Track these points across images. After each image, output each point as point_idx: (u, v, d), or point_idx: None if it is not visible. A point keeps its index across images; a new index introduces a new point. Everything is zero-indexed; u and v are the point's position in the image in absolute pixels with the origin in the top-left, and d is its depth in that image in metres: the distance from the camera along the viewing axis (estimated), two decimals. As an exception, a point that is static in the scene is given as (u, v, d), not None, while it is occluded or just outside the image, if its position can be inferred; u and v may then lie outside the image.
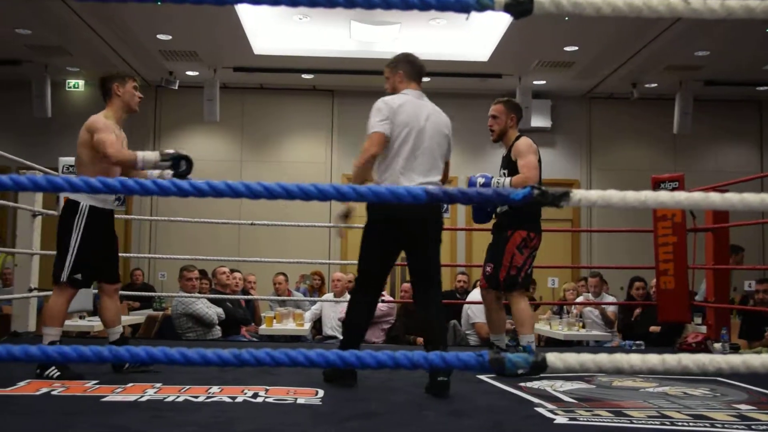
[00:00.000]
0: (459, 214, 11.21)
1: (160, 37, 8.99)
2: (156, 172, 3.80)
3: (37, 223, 5.84)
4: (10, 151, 5.48)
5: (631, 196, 1.36)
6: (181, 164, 3.71)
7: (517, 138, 4.33)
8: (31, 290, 5.72)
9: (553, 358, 1.30)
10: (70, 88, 10.90)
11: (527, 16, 1.36)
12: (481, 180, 4.30)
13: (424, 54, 9.96)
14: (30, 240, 5.77)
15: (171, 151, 3.78)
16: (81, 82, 10.90)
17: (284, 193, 1.33)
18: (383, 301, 6.54)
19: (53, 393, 3.25)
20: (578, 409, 3.11)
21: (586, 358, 1.29)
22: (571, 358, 1.30)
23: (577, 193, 1.36)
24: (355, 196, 1.36)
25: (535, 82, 10.62)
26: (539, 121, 10.99)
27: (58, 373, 3.59)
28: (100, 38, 8.99)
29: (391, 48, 9.65)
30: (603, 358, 1.29)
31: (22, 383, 3.43)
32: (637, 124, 11.50)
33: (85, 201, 3.82)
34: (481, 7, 1.27)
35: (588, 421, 2.87)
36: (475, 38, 9.50)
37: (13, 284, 6.36)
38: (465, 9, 1.28)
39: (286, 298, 7.58)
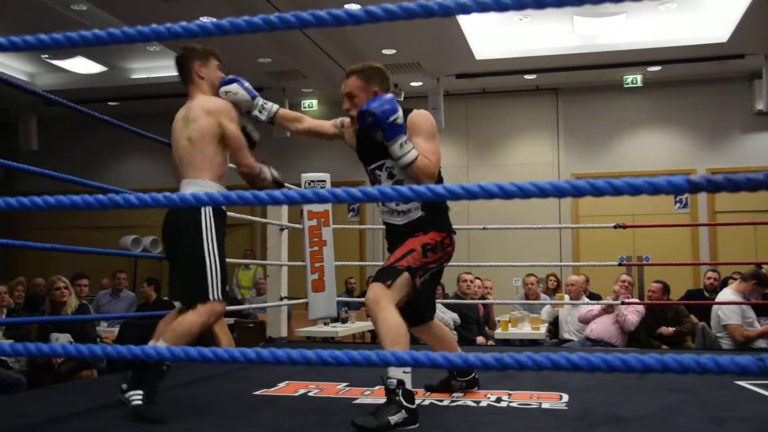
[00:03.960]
0: (700, 209, 10.47)
1: (385, 51, 9.35)
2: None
3: (284, 237, 6.27)
4: (256, 170, 5.94)
5: None
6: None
7: (410, 110, 3.11)
8: (281, 299, 6.16)
9: None
10: (305, 108, 11.66)
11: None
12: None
13: (654, 42, 9.53)
14: (279, 252, 6.22)
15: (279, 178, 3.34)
16: (314, 102, 11.63)
17: (520, 192, 1.30)
18: (624, 303, 6.25)
19: (309, 394, 3.47)
20: None
21: None
22: None
23: None
24: (591, 190, 1.30)
25: (785, 60, 9.63)
26: (791, 101, 9.96)
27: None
28: (331, 59, 9.54)
29: (617, 39, 9.27)
30: None
31: (282, 384, 3.70)
32: None
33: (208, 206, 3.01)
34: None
35: None
36: (711, 19, 8.83)
37: (265, 293, 6.92)
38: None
39: (532, 302, 7.45)
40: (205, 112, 3.08)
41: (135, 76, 10.89)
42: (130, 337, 5.68)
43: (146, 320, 6.18)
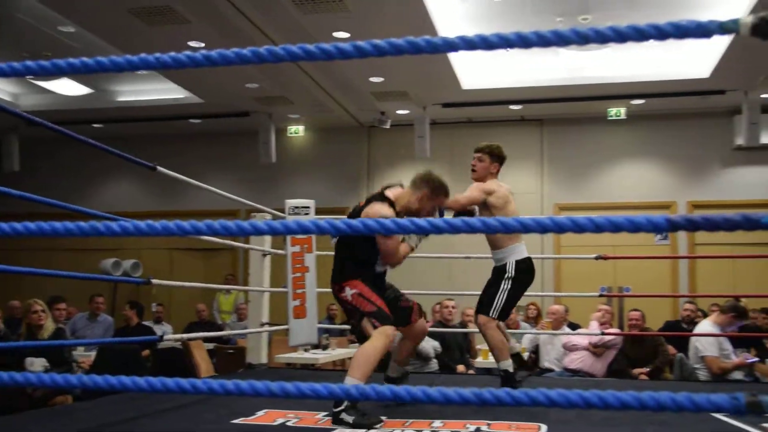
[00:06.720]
0: (680, 242, 10.55)
1: (373, 80, 9.39)
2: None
3: (266, 263, 6.24)
4: (240, 195, 6.02)
5: None
6: None
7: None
8: (262, 325, 6.12)
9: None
10: (291, 134, 11.69)
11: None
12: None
13: (638, 75, 9.64)
14: (261, 278, 6.18)
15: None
16: (301, 128, 11.66)
17: (502, 227, 1.31)
18: (603, 333, 6.26)
19: (287, 424, 3.43)
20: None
21: None
22: None
23: None
24: (573, 227, 1.31)
25: (763, 96, 9.73)
26: (771, 137, 10.09)
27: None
28: (318, 86, 9.58)
29: (602, 72, 9.39)
30: None
31: (260, 413, 3.66)
32: None
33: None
34: (724, 31, 1.19)
35: None
36: (694, 55, 8.97)
37: (246, 318, 6.87)
38: (706, 34, 1.20)
39: (513, 331, 7.44)
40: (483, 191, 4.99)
41: (121, 98, 10.87)
42: (108, 362, 5.60)
43: (124, 345, 6.11)
